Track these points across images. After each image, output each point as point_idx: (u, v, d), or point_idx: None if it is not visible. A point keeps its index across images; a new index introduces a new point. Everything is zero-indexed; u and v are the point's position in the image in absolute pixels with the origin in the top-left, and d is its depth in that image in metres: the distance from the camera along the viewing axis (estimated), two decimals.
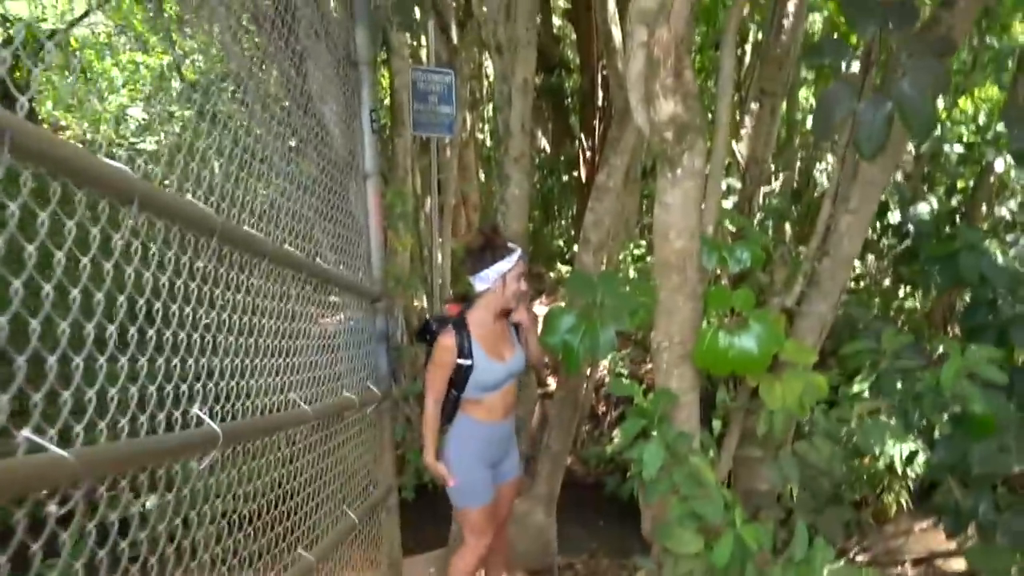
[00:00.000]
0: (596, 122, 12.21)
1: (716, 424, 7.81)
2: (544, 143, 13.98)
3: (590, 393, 8.27)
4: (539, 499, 4.87)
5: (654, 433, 2.74)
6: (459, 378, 3.33)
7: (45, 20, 12.75)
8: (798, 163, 10.36)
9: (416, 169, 8.57)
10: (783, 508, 3.85)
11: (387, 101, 8.85)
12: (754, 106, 9.19)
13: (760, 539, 2.54)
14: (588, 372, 7.42)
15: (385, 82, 9.14)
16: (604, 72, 12.07)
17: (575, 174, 12.58)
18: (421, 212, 8.65)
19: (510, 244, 3.34)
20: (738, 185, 9.15)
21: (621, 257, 8.99)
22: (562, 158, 12.83)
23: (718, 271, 3.14)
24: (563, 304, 3.17)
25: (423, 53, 9.08)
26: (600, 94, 12.15)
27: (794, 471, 3.08)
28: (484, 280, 3.30)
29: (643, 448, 2.68)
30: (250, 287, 2.27)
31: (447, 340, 3.29)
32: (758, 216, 8.89)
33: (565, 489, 6.13)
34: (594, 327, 3.01)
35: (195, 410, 1.89)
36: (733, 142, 9.39)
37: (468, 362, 3.28)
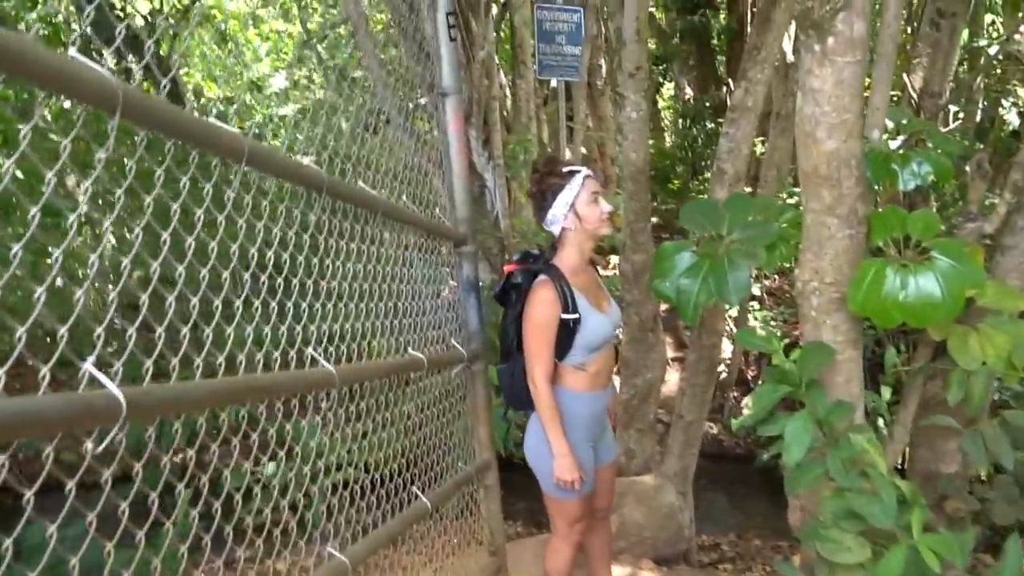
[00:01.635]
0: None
1: (885, 393, 6.87)
2: (688, 90, 13.02)
3: (737, 355, 7.48)
4: (670, 476, 4.21)
5: (800, 404, 2.05)
6: (561, 339, 2.69)
7: None
8: (981, 98, 8.98)
9: (543, 117, 7.98)
10: (976, 498, 3.04)
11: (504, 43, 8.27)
12: (929, 29, 8.00)
13: (951, 551, 1.80)
14: (729, 327, 6.68)
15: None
16: (754, 8, 11.01)
17: (721, 121, 11.62)
18: None
19: (569, 168, 2.73)
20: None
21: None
22: (707, 105, 11.85)
23: (885, 188, 2.34)
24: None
25: None
26: (749, 32, 11.09)
27: (1005, 445, 2.29)
28: (555, 221, 2.70)
29: (784, 422, 1.99)
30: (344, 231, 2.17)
31: (547, 292, 2.64)
32: None
33: (711, 461, 5.42)
34: (719, 266, 2.32)
35: (309, 350, 1.88)
36: (904, 74, 8.25)
37: (575, 316, 2.64)
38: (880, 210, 2.20)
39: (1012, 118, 8.78)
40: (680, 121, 12.86)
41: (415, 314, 2.77)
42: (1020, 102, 9.03)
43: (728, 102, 11.46)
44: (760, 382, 7.27)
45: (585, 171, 2.71)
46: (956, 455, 3.04)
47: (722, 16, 11.82)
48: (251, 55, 16.67)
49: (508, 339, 2.87)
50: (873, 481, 1.91)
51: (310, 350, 1.87)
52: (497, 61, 8.69)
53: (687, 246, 2.45)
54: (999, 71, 8.69)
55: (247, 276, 1.67)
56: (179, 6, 12.20)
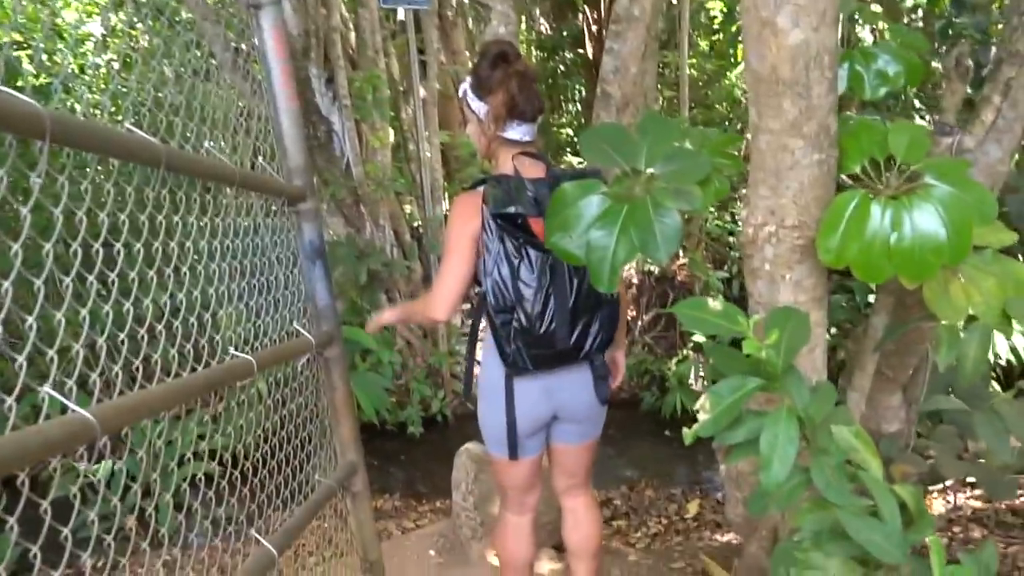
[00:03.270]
0: None
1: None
2: (542, 21, 12.39)
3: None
4: None
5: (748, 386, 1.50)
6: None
7: None
8: None
9: (391, 51, 7.19)
10: (921, 456, 2.66)
11: None
12: None
13: None
14: None
15: None
16: None
17: (580, 52, 11.06)
18: (402, 102, 7.29)
19: None
20: None
21: None
22: (564, 34, 11.26)
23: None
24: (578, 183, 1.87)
25: None
26: None
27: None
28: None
29: (754, 424, 1.44)
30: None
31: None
32: None
33: None
34: (641, 210, 1.73)
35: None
36: None
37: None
38: (851, 120, 1.65)
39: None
40: (536, 54, 12.25)
41: (235, 299, 2.07)
42: None
43: (585, 31, 10.93)
44: (645, 321, 6.77)
45: None
46: (899, 412, 2.63)
47: None
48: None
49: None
50: (874, 500, 1.41)
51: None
52: None
53: (593, 187, 1.85)
54: None
55: None
56: None
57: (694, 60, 10.57)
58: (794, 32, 1.42)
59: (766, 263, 1.67)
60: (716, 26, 10.92)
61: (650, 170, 1.84)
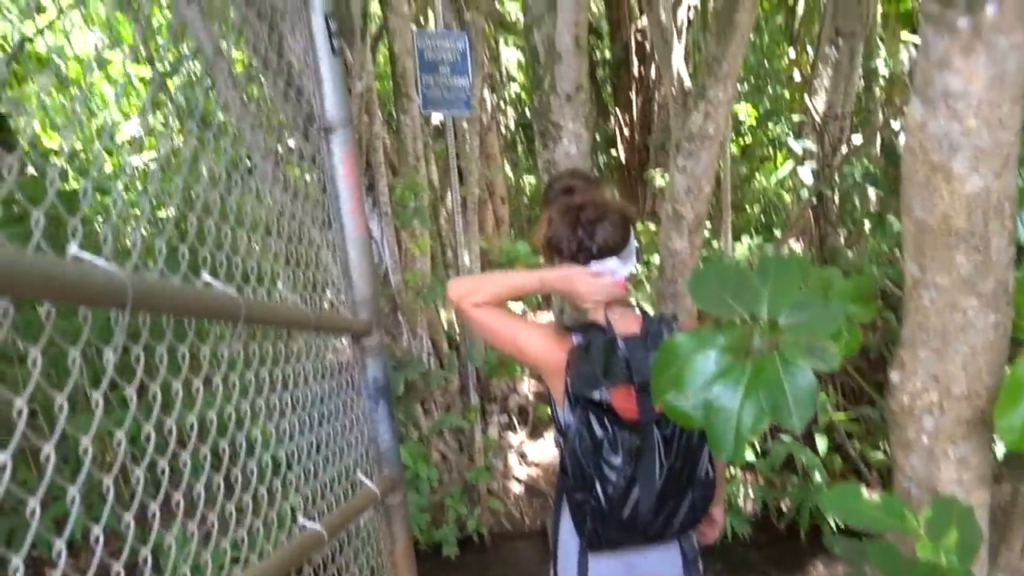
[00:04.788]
0: (632, 94, 10.68)
1: (821, 444, 6.31)
2: None
3: None
4: None
5: None
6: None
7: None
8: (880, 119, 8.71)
9: (431, 156, 7.14)
10: None
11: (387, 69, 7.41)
12: (828, 50, 7.67)
13: None
14: None
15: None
16: (639, 37, 10.58)
17: (613, 154, 11.05)
18: (440, 207, 7.20)
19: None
20: (814, 148, 7.62)
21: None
22: (597, 138, 11.28)
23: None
24: (686, 331, 1.65)
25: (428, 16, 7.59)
26: (635, 62, 10.64)
27: None
28: (632, 256, 2.12)
29: None
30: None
31: None
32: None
33: None
34: (770, 371, 1.51)
35: None
36: (806, 96, 7.87)
37: None
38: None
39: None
40: None
41: (303, 457, 1.85)
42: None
43: (617, 135, 10.94)
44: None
45: None
46: None
47: (605, 45, 11.35)
48: (100, 100, 15.23)
49: (698, 443, 2.02)
50: None
51: None
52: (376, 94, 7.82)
53: (709, 339, 1.64)
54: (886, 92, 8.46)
55: None
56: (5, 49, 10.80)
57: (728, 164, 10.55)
58: (972, 179, 1.23)
59: (924, 436, 1.44)
60: (748, 128, 10.92)
61: (774, 321, 1.63)
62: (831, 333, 1.57)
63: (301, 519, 1.59)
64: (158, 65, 7.10)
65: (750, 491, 6.24)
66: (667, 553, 2.10)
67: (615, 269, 2.03)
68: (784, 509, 6.09)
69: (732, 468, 6.50)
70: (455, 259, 6.87)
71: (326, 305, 2.21)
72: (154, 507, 1.14)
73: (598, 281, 2.04)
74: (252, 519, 1.51)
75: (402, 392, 6.18)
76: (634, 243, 2.05)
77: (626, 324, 2.01)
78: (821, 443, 6.17)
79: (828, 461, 6.08)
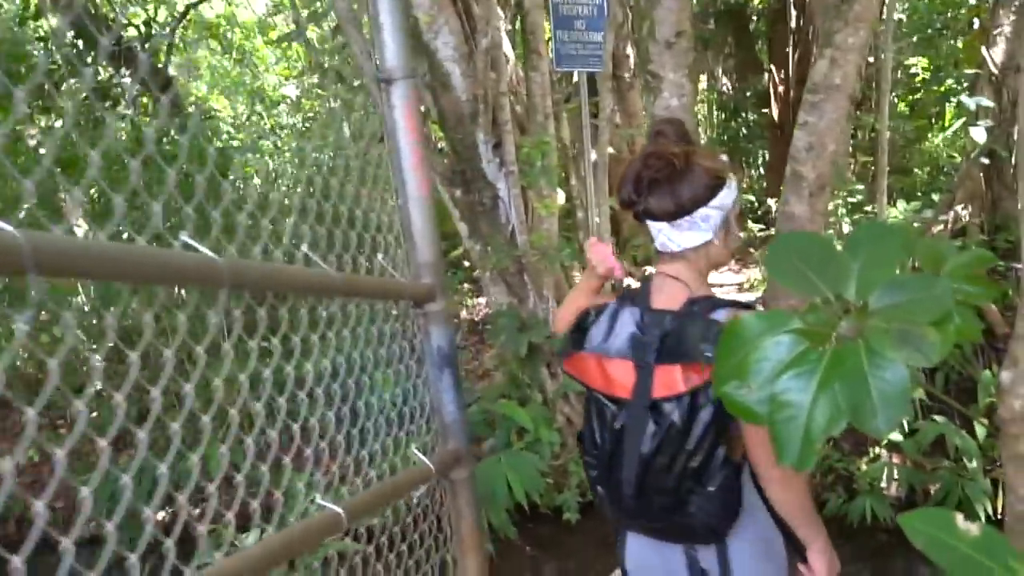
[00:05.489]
0: (789, 49, 10.02)
1: (979, 430, 5.73)
2: (724, 80, 11.86)
3: None
4: None
5: None
6: None
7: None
8: None
9: (562, 115, 6.93)
10: None
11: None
12: None
13: None
14: None
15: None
16: None
17: (765, 112, 10.44)
18: (571, 167, 7.00)
19: (719, 158, 1.86)
20: (990, 103, 6.87)
21: (832, 209, 6.87)
22: (748, 94, 10.70)
23: None
24: (759, 307, 1.40)
25: None
26: (794, 13, 9.97)
27: None
28: (698, 225, 1.75)
29: None
30: None
31: None
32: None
33: None
34: (852, 361, 1.25)
35: None
36: (982, 47, 7.10)
37: None
38: None
39: None
40: (717, 114, 11.73)
41: (332, 430, 1.74)
42: None
43: (771, 92, 10.33)
44: (898, 471, 5.94)
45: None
46: None
47: None
48: (262, 65, 15.87)
49: (697, 446, 1.71)
50: None
51: None
52: (507, 51, 7.65)
53: (783, 321, 1.39)
54: None
55: None
56: (174, 15, 11.34)
57: (890, 122, 9.75)
58: None
59: None
60: (918, 83, 10.05)
61: (862, 300, 1.37)
62: (935, 319, 1.30)
63: (318, 498, 1.47)
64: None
65: (895, 472, 5.78)
66: (674, 555, 1.84)
67: (668, 237, 1.78)
68: (932, 493, 5.62)
69: (876, 447, 6.05)
70: (586, 220, 6.67)
71: (389, 268, 2.08)
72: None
73: (598, 252, 1.98)
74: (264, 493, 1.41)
75: (526, 354, 6.09)
76: (715, 211, 1.76)
77: (666, 298, 1.77)
78: (980, 428, 5.62)
79: (986, 447, 5.53)
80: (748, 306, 1.76)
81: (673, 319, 1.68)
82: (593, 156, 6.60)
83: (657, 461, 1.67)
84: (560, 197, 8.30)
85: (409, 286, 2.04)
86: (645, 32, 2.51)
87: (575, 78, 7.50)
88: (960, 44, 8.81)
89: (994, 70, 6.84)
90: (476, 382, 7.33)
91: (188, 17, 11.44)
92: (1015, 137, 6.85)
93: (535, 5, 6.00)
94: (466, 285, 9.12)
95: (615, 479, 1.75)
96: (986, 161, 6.86)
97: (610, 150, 6.93)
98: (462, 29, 5.61)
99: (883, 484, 5.81)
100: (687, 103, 2.53)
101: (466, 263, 8.77)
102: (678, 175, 1.71)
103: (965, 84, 7.76)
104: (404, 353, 2.11)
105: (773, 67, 10.25)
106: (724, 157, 1.74)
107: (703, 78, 12.79)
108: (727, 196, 1.76)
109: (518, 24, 6.90)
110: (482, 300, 8.55)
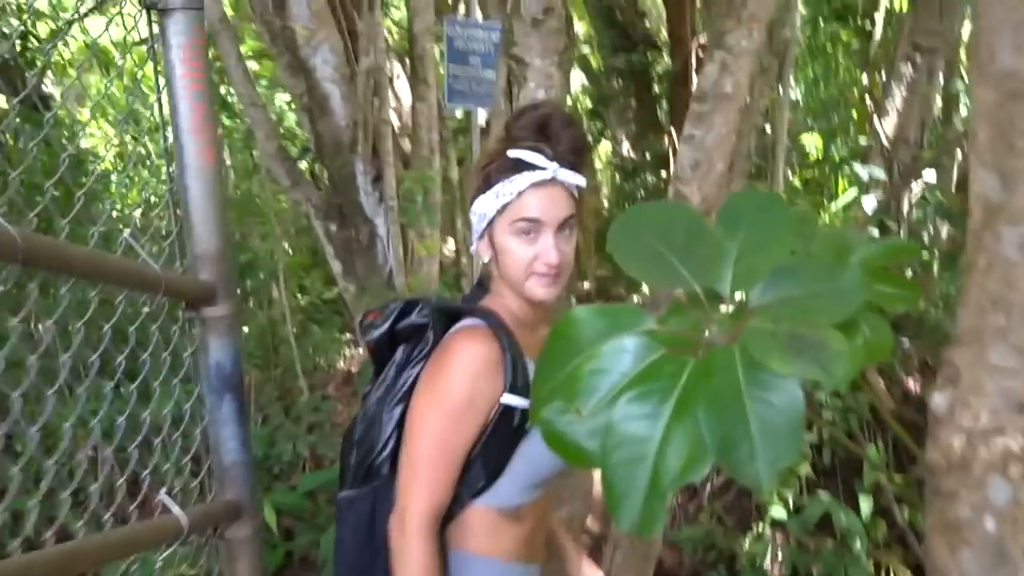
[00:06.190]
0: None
1: (864, 506, 5.49)
2: (625, 143, 11.81)
3: None
4: None
5: None
6: (491, 451, 1.39)
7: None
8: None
9: (451, 153, 6.57)
10: None
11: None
12: (905, 68, 6.92)
13: None
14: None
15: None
16: (701, 51, 9.91)
17: (664, 175, 10.36)
18: (459, 210, 6.60)
19: (529, 145, 1.39)
20: (882, 175, 6.84)
21: None
22: (647, 155, 10.62)
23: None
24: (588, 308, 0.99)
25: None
26: (694, 79, 9.96)
27: None
28: (473, 238, 1.48)
29: None
30: None
31: (481, 348, 1.37)
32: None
33: None
34: (723, 374, 0.86)
35: None
36: (875, 117, 7.11)
37: (526, 403, 1.34)
38: None
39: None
40: (616, 177, 11.63)
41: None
42: None
43: (671, 154, 10.27)
44: (714, 485, 5.73)
45: (544, 161, 1.37)
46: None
47: (664, 57, 10.72)
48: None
49: (377, 439, 1.46)
50: None
51: None
52: (401, 74, 7.24)
53: (631, 318, 0.98)
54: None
55: None
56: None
57: (785, 196, 9.79)
58: None
59: (989, 516, 0.76)
60: (812, 161, 10.18)
61: (740, 293, 0.97)
62: (840, 320, 0.90)
63: None
64: None
65: (779, 552, 5.48)
66: None
67: None
68: (814, 575, 5.33)
69: (760, 524, 5.75)
70: (471, 268, 6.25)
71: (137, 246, 1.60)
72: None
73: None
74: None
75: None
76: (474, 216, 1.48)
77: None
78: (865, 505, 5.38)
79: (871, 527, 5.28)
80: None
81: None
82: None
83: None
84: (450, 244, 7.90)
85: (172, 278, 1.56)
86: (509, 9, 2.14)
87: (459, 115, 7.22)
88: (853, 113, 8.97)
89: (885, 141, 6.84)
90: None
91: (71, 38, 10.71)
92: (903, 210, 6.92)
93: (425, 31, 5.65)
94: (347, 335, 8.54)
95: None
96: (876, 232, 6.81)
97: None
98: (344, 48, 5.21)
99: (767, 564, 5.52)
100: (556, 95, 2.15)
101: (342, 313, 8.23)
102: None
103: (857, 155, 7.79)
104: (162, 366, 1.62)
105: (672, 129, 10.22)
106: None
107: (606, 143, 12.75)
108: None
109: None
110: (361, 351, 7.99)
